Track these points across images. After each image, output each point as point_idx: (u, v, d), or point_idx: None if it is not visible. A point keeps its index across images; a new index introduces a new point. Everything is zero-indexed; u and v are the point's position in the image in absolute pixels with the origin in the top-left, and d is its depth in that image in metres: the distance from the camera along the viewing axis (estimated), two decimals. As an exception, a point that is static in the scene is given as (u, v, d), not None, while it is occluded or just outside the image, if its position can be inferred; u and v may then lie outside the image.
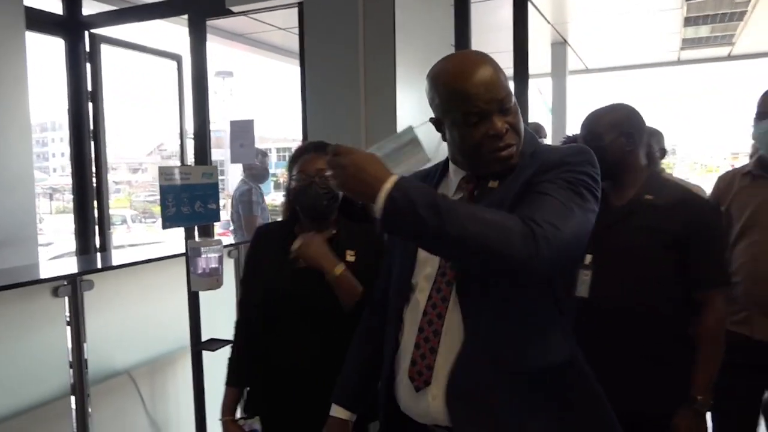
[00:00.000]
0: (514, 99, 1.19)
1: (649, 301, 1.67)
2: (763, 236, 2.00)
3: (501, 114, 1.17)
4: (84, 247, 4.20)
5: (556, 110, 6.88)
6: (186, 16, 3.73)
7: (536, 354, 1.18)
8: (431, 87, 1.22)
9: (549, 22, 5.68)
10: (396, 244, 1.39)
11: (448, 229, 1.01)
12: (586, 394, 1.23)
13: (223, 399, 1.78)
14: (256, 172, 4.81)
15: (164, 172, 1.84)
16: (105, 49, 4.09)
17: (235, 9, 3.27)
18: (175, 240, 3.84)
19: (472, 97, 1.15)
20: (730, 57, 7.40)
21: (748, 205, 2.05)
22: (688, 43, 6.64)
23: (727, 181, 2.19)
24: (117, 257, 2.98)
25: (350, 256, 1.71)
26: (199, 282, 1.90)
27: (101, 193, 4.16)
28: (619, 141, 1.74)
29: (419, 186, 1.07)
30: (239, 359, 1.81)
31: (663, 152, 2.58)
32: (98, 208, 4.17)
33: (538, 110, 8.00)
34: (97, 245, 4.18)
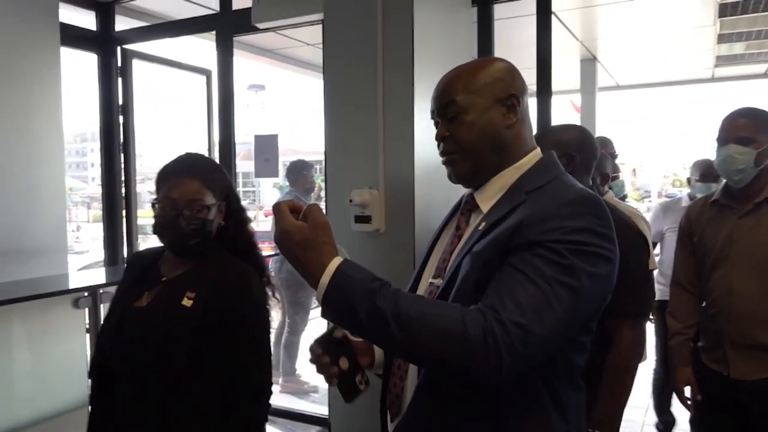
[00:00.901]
0: (465, 109, 1.11)
1: None
2: (734, 270, 1.90)
3: (446, 121, 1.15)
4: (112, 258, 4.28)
5: (585, 126, 6.80)
6: (214, 33, 3.82)
7: None
8: None
9: (578, 39, 5.62)
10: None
11: (395, 338, 0.89)
12: None
13: None
14: (310, 186, 4.79)
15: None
16: (137, 64, 4.19)
17: (261, 26, 3.33)
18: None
19: (432, 100, 1.19)
20: (766, 74, 7.22)
21: (718, 236, 1.96)
22: (722, 60, 6.49)
23: (697, 210, 2.10)
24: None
25: (188, 300, 1.43)
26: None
27: (130, 204, 4.25)
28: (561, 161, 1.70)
29: (360, 282, 0.92)
30: (93, 410, 1.53)
31: (605, 177, 2.52)
32: (126, 219, 4.26)
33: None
34: (125, 255, 4.26)
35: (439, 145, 1.18)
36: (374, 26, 2.19)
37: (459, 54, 2.49)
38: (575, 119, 7.38)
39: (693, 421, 2.15)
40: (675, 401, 3.64)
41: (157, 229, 1.48)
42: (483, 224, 1.08)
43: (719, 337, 1.93)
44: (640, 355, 1.65)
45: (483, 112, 1.11)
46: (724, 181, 2.01)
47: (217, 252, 1.53)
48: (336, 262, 0.93)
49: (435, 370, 1.01)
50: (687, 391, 2.07)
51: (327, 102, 2.37)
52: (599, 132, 6.88)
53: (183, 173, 1.48)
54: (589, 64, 6.52)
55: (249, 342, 1.49)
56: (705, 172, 3.41)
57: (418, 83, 2.16)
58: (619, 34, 5.51)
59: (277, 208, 0.97)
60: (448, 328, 0.88)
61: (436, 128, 1.18)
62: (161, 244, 1.55)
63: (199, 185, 1.48)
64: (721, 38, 5.57)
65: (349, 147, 2.30)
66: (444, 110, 1.15)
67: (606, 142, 4.31)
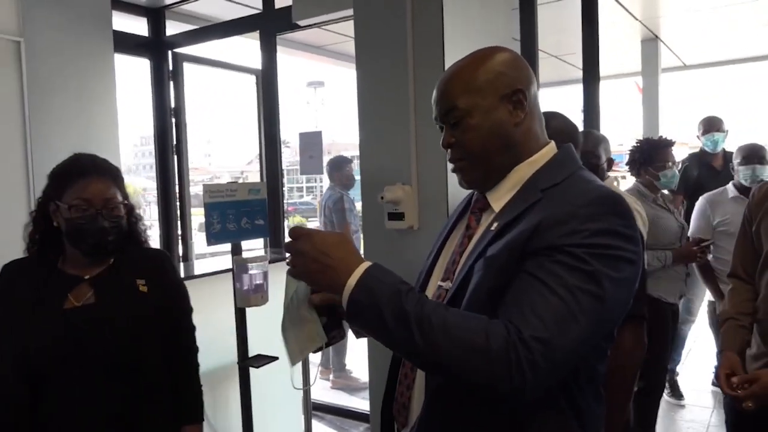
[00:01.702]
0: (468, 112, 1.03)
1: None
2: None
3: (450, 127, 1.07)
4: (168, 256, 4.42)
5: (647, 109, 6.47)
6: (257, 33, 3.86)
7: None
8: None
9: (637, 19, 5.34)
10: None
11: (417, 345, 0.86)
12: None
13: None
14: (348, 181, 4.91)
15: (209, 190, 1.87)
16: (191, 68, 4.29)
17: (301, 23, 3.32)
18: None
19: (433, 104, 1.12)
20: None
21: None
22: (801, 33, 6.03)
23: (761, 194, 1.83)
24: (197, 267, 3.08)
25: (142, 287, 1.49)
26: (244, 298, 1.91)
27: (183, 203, 4.37)
28: None
29: (389, 284, 0.90)
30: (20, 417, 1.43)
31: (610, 162, 2.28)
32: (181, 219, 4.38)
33: (637, 108, 7.56)
34: (180, 254, 4.39)
35: (447, 152, 1.11)
36: (404, 18, 2.13)
37: (495, 42, 2.39)
38: (639, 103, 7.07)
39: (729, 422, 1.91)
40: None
41: (75, 232, 1.45)
42: (495, 224, 1.01)
43: (762, 345, 1.71)
44: (640, 359, 1.60)
45: (488, 112, 1.03)
46: None
47: (126, 246, 1.57)
48: (365, 264, 0.92)
49: (454, 382, 0.94)
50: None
51: (360, 97, 2.33)
52: (665, 115, 6.55)
53: (91, 173, 1.47)
54: (650, 44, 6.19)
55: (186, 312, 1.66)
56: (747, 154, 3.07)
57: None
58: (683, 9, 5.19)
59: (296, 228, 0.98)
60: (470, 339, 0.84)
61: (441, 133, 1.11)
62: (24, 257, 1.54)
63: (109, 183, 1.49)
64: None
65: (381, 142, 2.25)
66: (446, 116, 1.07)
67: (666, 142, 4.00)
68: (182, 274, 2.90)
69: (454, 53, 2.12)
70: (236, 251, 1.99)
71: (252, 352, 2.10)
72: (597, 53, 2.75)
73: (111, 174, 1.51)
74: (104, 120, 3.68)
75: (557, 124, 1.72)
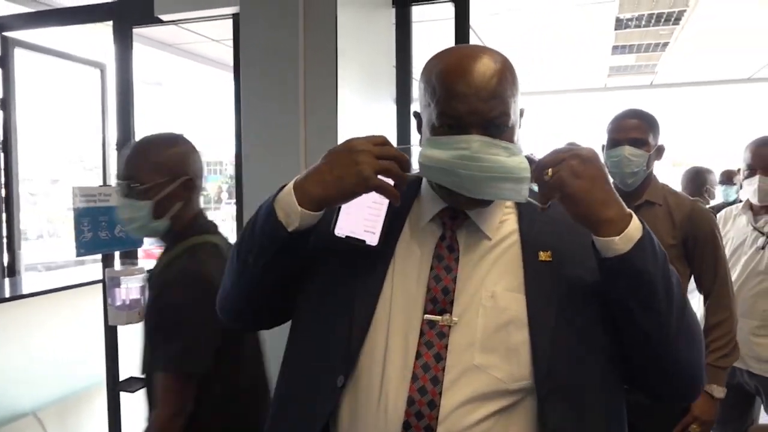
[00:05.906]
0: (512, 123, 0.94)
1: None
2: None
3: (483, 131, 0.90)
4: (-12, 268, 3.84)
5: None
6: (110, 23, 3.52)
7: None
8: (422, 74, 0.98)
9: (483, 44, 5.74)
10: (334, 252, 1.02)
11: (671, 326, 0.86)
12: None
13: None
14: None
15: (79, 193, 1.65)
16: (21, 54, 3.80)
17: (164, 18, 3.09)
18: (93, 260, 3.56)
19: (457, 97, 0.90)
20: (652, 85, 7.74)
21: None
22: (614, 71, 6.90)
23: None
24: (27, 282, 2.72)
25: None
26: (117, 315, 1.71)
27: (11, 208, 3.83)
28: None
29: (659, 247, 0.87)
30: None
31: None
32: (7, 224, 3.83)
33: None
34: (5, 265, 3.84)
35: None
36: (296, 22, 2.07)
37: (382, 53, 2.43)
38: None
39: None
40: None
41: None
42: (544, 254, 0.95)
43: None
44: None
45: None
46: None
47: None
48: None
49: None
50: None
51: (243, 101, 2.22)
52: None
53: None
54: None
55: None
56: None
57: (342, 81, 2.07)
58: (518, 41, 5.68)
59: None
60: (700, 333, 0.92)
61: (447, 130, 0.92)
62: None
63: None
64: (615, 49, 5.90)
65: (268, 148, 2.17)
66: (490, 122, 0.91)
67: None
68: (7, 293, 2.55)
69: (347, 60, 2.11)
70: (108, 263, 1.78)
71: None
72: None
73: None
74: None
75: None
